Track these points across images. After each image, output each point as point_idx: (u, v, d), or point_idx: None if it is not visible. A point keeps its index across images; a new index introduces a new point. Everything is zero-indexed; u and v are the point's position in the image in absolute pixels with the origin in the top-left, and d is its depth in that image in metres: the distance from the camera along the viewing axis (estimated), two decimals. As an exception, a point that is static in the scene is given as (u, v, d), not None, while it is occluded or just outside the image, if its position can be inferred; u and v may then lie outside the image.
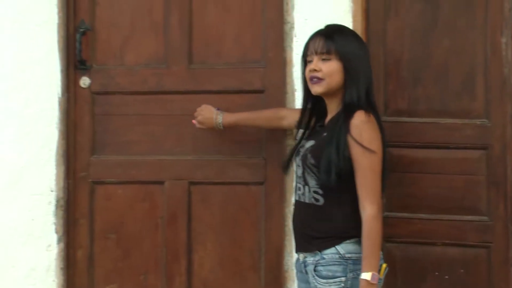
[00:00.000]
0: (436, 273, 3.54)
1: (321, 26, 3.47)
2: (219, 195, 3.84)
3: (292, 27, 3.69)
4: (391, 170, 3.38)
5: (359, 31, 3.54)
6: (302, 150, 3.19)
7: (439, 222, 3.52)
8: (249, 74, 3.82)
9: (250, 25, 3.82)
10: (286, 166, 3.36)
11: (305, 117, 3.29)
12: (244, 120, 3.63)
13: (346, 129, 3.05)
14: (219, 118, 3.61)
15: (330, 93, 3.20)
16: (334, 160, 3.05)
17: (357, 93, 3.11)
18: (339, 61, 3.11)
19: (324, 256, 3.08)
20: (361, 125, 3.05)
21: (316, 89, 3.17)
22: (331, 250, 3.08)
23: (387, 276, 3.33)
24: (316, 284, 3.08)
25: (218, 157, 3.85)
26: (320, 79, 3.14)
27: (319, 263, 3.10)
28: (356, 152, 3.03)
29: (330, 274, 3.07)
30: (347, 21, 3.57)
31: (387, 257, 3.43)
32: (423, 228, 3.53)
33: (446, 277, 3.53)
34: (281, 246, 3.74)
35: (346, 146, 3.04)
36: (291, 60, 3.68)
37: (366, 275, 2.99)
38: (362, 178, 3.04)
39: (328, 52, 3.12)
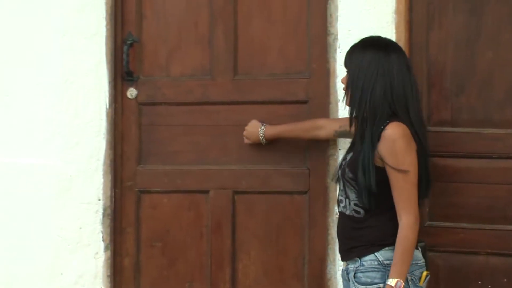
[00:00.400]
0: (479, 282, 3.52)
1: (364, 37, 3.49)
2: (263, 204, 3.85)
3: (335, 39, 3.69)
4: (434, 180, 3.37)
5: (402, 42, 3.55)
6: (343, 164, 3.22)
7: (481, 231, 3.50)
8: (293, 85, 3.82)
9: (294, 36, 3.82)
10: (335, 178, 3.34)
11: (351, 126, 3.26)
12: (284, 132, 3.64)
13: (376, 142, 3.04)
14: (262, 131, 3.63)
15: None
16: (366, 172, 3.06)
17: (353, 105, 3.08)
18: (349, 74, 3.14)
19: (364, 263, 3.10)
20: (391, 139, 3.04)
21: (346, 101, 3.20)
22: (370, 257, 3.09)
23: (430, 284, 3.31)
24: None
25: (262, 166, 3.85)
26: (345, 91, 3.18)
27: (358, 269, 3.11)
28: (389, 168, 3.04)
29: (368, 280, 3.07)
30: (390, 33, 3.57)
31: (430, 265, 3.41)
32: (465, 237, 3.52)
33: (489, 286, 3.50)
34: (324, 255, 3.75)
35: (377, 158, 3.05)
36: (334, 71, 3.68)
37: (391, 281, 3.01)
38: (398, 189, 3.04)
39: (345, 66, 3.17)
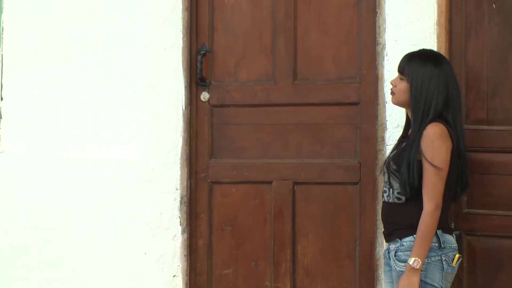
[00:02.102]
0: None
1: (409, 46, 3.57)
2: (319, 193, 3.85)
3: (383, 48, 3.70)
4: (471, 172, 3.39)
5: (443, 51, 3.56)
6: (389, 157, 3.29)
7: None
8: (346, 88, 3.83)
9: (346, 46, 3.84)
10: (381, 171, 3.42)
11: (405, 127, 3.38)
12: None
13: (419, 139, 3.11)
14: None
15: (402, 106, 3.30)
16: (411, 163, 3.11)
17: (418, 114, 3.14)
18: (408, 83, 3.19)
19: (404, 243, 3.13)
20: (429, 139, 3.10)
21: (391, 100, 3.31)
22: (409, 238, 3.12)
23: (468, 265, 3.47)
24: (395, 266, 3.13)
25: (319, 160, 3.86)
26: (393, 93, 3.26)
27: (399, 249, 3.14)
28: (424, 160, 3.09)
29: (407, 258, 3.10)
30: (432, 42, 3.57)
31: (468, 248, 3.51)
32: (500, 223, 3.50)
33: None
34: (373, 239, 3.75)
35: (418, 153, 3.10)
36: (382, 76, 3.69)
37: (410, 260, 3.05)
38: (426, 180, 3.09)
39: (402, 73, 3.22)
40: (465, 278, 3.55)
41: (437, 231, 3.11)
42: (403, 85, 3.21)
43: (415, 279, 3.05)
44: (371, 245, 3.76)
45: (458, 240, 3.22)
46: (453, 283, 3.42)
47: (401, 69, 3.24)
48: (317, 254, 3.85)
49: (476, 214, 3.53)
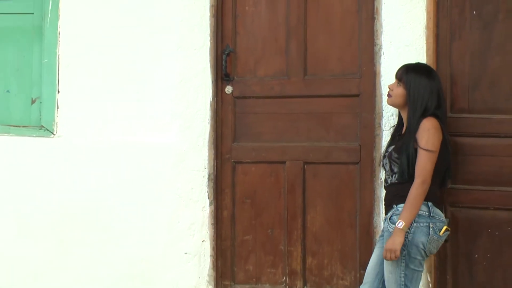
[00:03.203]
0: (489, 230, 3.56)
1: (402, 47, 3.67)
2: (326, 172, 3.90)
3: (380, 48, 3.75)
4: (455, 154, 3.52)
5: (431, 51, 3.65)
6: (387, 153, 3.39)
7: (491, 192, 3.54)
8: (348, 83, 3.88)
9: (349, 47, 3.89)
10: (380, 163, 3.56)
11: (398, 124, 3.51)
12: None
13: (416, 130, 3.26)
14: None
15: (396, 107, 3.43)
16: (411, 152, 3.25)
17: (416, 115, 3.27)
18: (404, 90, 3.33)
19: (398, 208, 3.25)
20: (426, 128, 3.23)
21: (387, 101, 3.46)
22: (403, 204, 3.23)
23: (452, 232, 3.50)
24: (388, 228, 3.26)
25: (326, 143, 3.90)
26: (390, 95, 3.41)
27: (394, 213, 3.27)
28: (419, 146, 3.23)
29: None
30: (422, 43, 3.64)
31: (452, 218, 3.58)
32: (479, 196, 3.57)
33: (496, 233, 3.55)
34: (371, 210, 3.79)
35: (415, 142, 3.24)
36: (379, 72, 3.75)
37: (397, 222, 3.18)
38: (418, 160, 3.23)
39: (400, 80, 3.37)
40: (449, 243, 3.57)
41: (428, 203, 3.23)
42: (400, 91, 3.34)
43: (399, 239, 3.14)
44: (369, 215, 3.79)
45: (448, 225, 3.30)
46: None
47: (399, 77, 3.36)
48: (324, 222, 3.89)
49: (459, 189, 3.60)
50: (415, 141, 3.25)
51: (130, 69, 4.11)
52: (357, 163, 3.87)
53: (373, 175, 3.81)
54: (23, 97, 4.32)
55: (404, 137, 3.34)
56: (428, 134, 3.23)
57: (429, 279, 3.66)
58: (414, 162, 3.24)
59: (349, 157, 3.89)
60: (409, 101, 3.32)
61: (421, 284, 3.50)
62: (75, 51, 4.19)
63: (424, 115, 3.29)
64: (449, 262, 3.65)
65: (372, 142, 3.82)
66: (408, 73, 3.34)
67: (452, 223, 3.60)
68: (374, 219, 3.79)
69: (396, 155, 3.31)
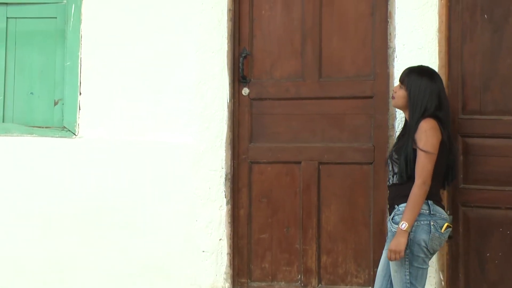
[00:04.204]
0: (500, 229, 3.61)
1: (415, 49, 3.74)
2: (340, 172, 3.96)
3: (393, 51, 3.82)
4: (467, 154, 3.61)
5: (443, 53, 3.72)
6: (390, 153, 3.47)
7: (502, 192, 3.59)
8: (362, 84, 3.94)
9: (363, 49, 3.95)
10: (386, 165, 3.55)
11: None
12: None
13: (415, 131, 3.30)
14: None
15: (399, 109, 3.50)
16: (409, 153, 3.29)
17: (415, 116, 3.32)
18: (405, 91, 3.40)
19: (400, 208, 3.30)
20: (423, 129, 3.28)
21: (392, 103, 3.53)
22: (404, 204, 3.28)
23: (464, 231, 3.60)
24: (391, 228, 3.30)
25: (339, 144, 3.95)
26: (393, 97, 3.48)
27: (396, 213, 3.31)
28: (418, 147, 3.28)
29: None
30: (434, 46, 3.71)
31: (463, 217, 3.65)
32: (490, 196, 3.61)
33: (508, 232, 3.60)
34: (384, 208, 3.83)
35: (414, 142, 3.29)
36: (392, 74, 3.81)
37: (400, 223, 3.21)
38: (418, 162, 3.27)
39: (402, 82, 3.44)
40: (461, 242, 3.66)
41: (429, 201, 3.26)
42: (402, 93, 3.39)
43: (403, 240, 3.18)
44: (383, 213, 3.85)
45: (451, 222, 3.34)
46: (450, 246, 3.66)
47: (402, 79, 3.42)
48: (338, 221, 3.95)
49: (470, 189, 3.65)
50: (414, 142, 3.28)
51: (149, 71, 4.17)
52: (371, 163, 3.93)
53: (386, 174, 3.68)
54: (46, 98, 4.37)
55: (403, 138, 3.39)
56: (426, 135, 3.26)
57: (441, 277, 3.71)
58: (412, 163, 3.28)
59: (363, 158, 3.94)
60: (409, 103, 3.36)
61: (434, 282, 3.63)
62: (97, 54, 4.25)
63: (423, 116, 3.32)
64: (461, 261, 3.69)
65: (385, 142, 3.87)
66: (409, 75, 3.40)
67: (464, 222, 3.66)
68: (387, 217, 3.69)
69: (396, 156, 3.36)
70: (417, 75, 3.39)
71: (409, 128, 3.36)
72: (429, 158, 3.25)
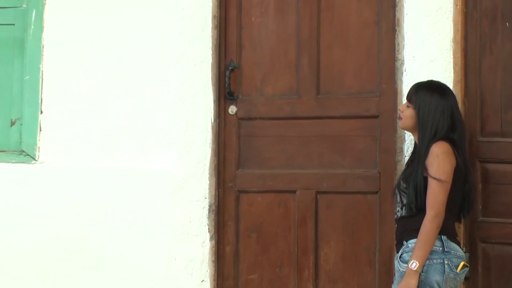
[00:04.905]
0: None
1: (427, 62, 3.72)
2: (341, 202, 3.92)
3: (402, 64, 3.78)
4: (486, 182, 3.58)
5: (458, 67, 3.69)
6: (397, 182, 3.44)
7: None
8: (366, 102, 3.91)
9: (367, 62, 3.92)
10: (393, 192, 3.53)
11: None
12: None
13: (425, 157, 3.26)
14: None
15: (408, 130, 3.48)
16: (419, 181, 3.25)
17: (426, 138, 3.29)
18: (414, 110, 3.35)
19: (409, 245, 3.25)
20: (435, 154, 3.24)
21: (399, 124, 3.50)
22: (414, 240, 3.23)
23: (483, 271, 3.56)
24: (399, 267, 3.26)
25: (340, 170, 3.93)
26: (400, 118, 3.44)
27: (404, 250, 3.27)
28: (429, 174, 3.24)
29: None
30: (448, 58, 3.68)
31: (483, 255, 3.60)
32: None
33: None
34: (392, 245, 3.72)
35: (425, 169, 3.24)
36: (401, 91, 3.76)
37: (409, 262, 3.17)
38: (429, 191, 3.23)
39: (409, 101, 3.40)
40: (480, 283, 3.61)
41: (442, 237, 3.22)
42: (409, 112, 3.36)
43: (413, 282, 3.14)
44: (390, 251, 3.78)
45: (468, 261, 3.33)
46: (468, 288, 3.62)
47: (409, 97, 3.39)
48: (339, 260, 3.91)
49: (491, 222, 3.60)
50: (425, 168, 3.25)
51: (122, 87, 4.16)
52: (376, 192, 3.90)
53: (394, 205, 3.60)
54: (2, 118, 4.37)
55: (413, 164, 3.37)
56: (438, 160, 3.23)
57: (458, 322, 3.64)
58: (423, 193, 3.26)
59: (367, 186, 3.91)
60: (418, 123, 3.34)
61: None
62: (61, 67, 4.24)
63: (435, 139, 3.30)
64: (480, 304, 3.65)
65: (393, 169, 3.84)
66: (417, 91, 3.38)
67: (483, 261, 3.61)
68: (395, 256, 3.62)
69: (404, 185, 3.34)
70: (427, 91, 3.36)
71: (419, 153, 3.32)
72: (442, 187, 3.22)
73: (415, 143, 3.48)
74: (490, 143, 3.64)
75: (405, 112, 3.39)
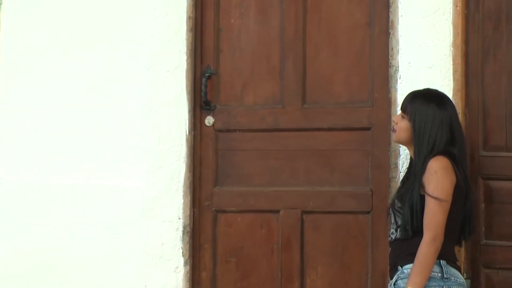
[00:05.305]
0: None
1: (423, 69, 3.71)
2: (329, 223, 3.90)
3: (396, 70, 3.77)
4: (490, 201, 3.56)
5: (459, 73, 3.66)
6: (392, 201, 3.40)
7: None
8: (357, 113, 3.90)
9: (358, 68, 3.91)
10: (388, 217, 3.48)
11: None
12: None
13: (422, 173, 3.22)
14: None
15: (403, 144, 3.45)
16: (415, 200, 3.23)
17: (422, 153, 3.26)
18: (409, 122, 3.32)
19: (404, 270, 3.22)
20: (433, 170, 3.21)
21: (393, 137, 3.47)
22: (409, 265, 3.20)
23: None
24: None
25: (328, 188, 3.91)
26: (394, 130, 3.40)
27: (399, 277, 3.23)
28: (426, 192, 3.20)
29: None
30: (448, 64, 3.66)
31: (486, 282, 3.58)
32: None
33: None
34: (386, 270, 3.65)
35: (422, 186, 3.22)
36: (395, 100, 3.74)
37: None
38: (427, 211, 3.19)
39: (404, 111, 3.36)
40: None
41: (441, 261, 3.19)
42: (404, 124, 3.33)
43: None
44: (384, 277, 3.76)
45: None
46: (471, 317, 3.62)
47: (403, 107, 3.36)
48: (327, 286, 3.88)
49: (495, 246, 3.57)
50: (422, 186, 3.24)
51: (87, 95, 4.14)
52: (368, 212, 3.88)
53: (387, 228, 3.63)
54: None
55: (408, 181, 3.36)
56: (436, 177, 3.21)
57: None
58: (420, 213, 3.24)
59: (358, 205, 3.90)
60: (413, 136, 3.33)
61: None
62: (17, 73, 4.24)
63: (432, 153, 3.28)
64: (484, 336, 3.66)
65: (386, 186, 3.82)
66: (413, 101, 3.36)
67: None
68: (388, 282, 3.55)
69: (399, 204, 3.32)
70: (423, 100, 3.33)
71: (415, 169, 3.30)
72: (441, 207, 3.19)
73: (410, 158, 3.45)
74: (493, 158, 3.63)
75: (400, 123, 3.37)
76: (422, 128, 3.28)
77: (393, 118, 3.47)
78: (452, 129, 3.31)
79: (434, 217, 3.18)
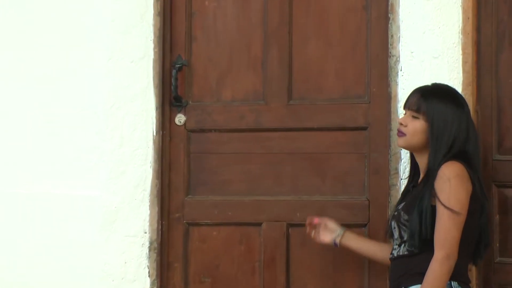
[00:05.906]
0: None
1: (428, 59, 3.66)
2: None
3: (397, 61, 3.71)
4: (505, 213, 3.52)
5: (469, 64, 3.61)
6: (395, 214, 3.34)
7: None
8: (352, 110, 3.84)
9: (353, 59, 3.86)
10: (388, 231, 3.45)
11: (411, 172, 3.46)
12: (361, 248, 3.55)
13: (433, 180, 3.18)
14: (338, 237, 3.54)
15: (412, 150, 3.38)
16: (425, 209, 3.17)
17: (439, 156, 3.23)
18: (426, 122, 3.26)
19: None
20: (446, 177, 3.17)
21: (398, 142, 3.38)
22: (417, 286, 3.15)
23: None
24: None
25: (318, 197, 3.85)
26: (403, 133, 3.32)
27: None
28: (438, 203, 3.14)
29: None
30: (456, 54, 3.62)
31: None
32: None
33: None
34: None
35: (432, 196, 3.17)
36: (396, 95, 3.69)
37: None
38: (439, 224, 3.14)
39: (417, 111, 3.28)
40: None
41: (453, 283, 3.14)
42: (419, 125, 3.28)
43: None
44: None
45: None
46: None
47: (416, 106, 3.30)
48: None
49: (510, 264, 3.55)
50: (433, 194, 3.19)
51: (38, 89, 4.09)
52: (365, 225, 3.82)
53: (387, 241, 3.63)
54: None
55: (418, 188, 3.31)
56: (449, 186, 3.17)
57: None
58: (429, 225, 3.19)
59: (353, 217, 3.83)
60: (431, 139, 3.27)
61: None
62: None
63: (446, 157, 3.24)
64: None
65: (385, 195, 3.76)
66: (428, 99, 3.30)
67: None
68: (389, 305, 3.57)
69: (406, 217, 3.26)
70: (440, 99, 3.30)
71: (428, 174, 3.24)
72: (456, 220, 3.15)
73: (411, 163, 3.43)
74: (509, 163, 3.59)
75: (411, 125, 3.31)
76: (441, 129, 3.26)
77: (400, 120, 3.40)
78: (468, 129, 3.30)
79: (447, 232, 3.14)
